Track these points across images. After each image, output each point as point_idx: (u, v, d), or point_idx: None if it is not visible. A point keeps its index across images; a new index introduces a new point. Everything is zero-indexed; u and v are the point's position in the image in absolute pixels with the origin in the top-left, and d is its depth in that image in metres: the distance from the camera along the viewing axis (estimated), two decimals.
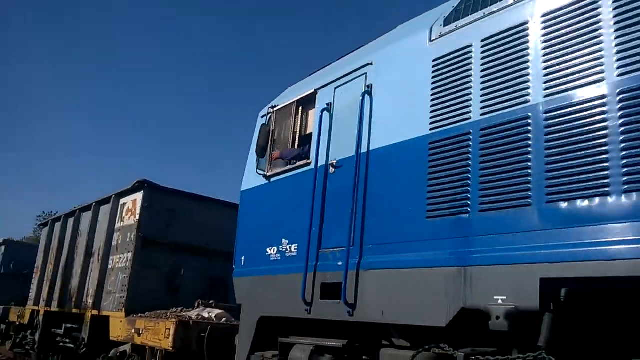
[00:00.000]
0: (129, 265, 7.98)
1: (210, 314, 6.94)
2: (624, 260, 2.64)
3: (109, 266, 8.68)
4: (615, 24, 2.95)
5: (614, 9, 2.97)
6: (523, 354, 3.01)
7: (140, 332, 6.96)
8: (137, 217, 8.14)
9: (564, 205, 2.96)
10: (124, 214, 8.66)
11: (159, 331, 6.52)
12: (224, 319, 6.85)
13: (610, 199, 2.79)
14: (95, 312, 8.62)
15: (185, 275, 8.11)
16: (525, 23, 3.41)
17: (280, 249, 5.03)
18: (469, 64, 3.70)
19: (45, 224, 12.77)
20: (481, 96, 3.54)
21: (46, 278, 11.44)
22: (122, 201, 8.85)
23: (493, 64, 3.52)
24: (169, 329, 6.29)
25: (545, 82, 3.19)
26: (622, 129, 2.80)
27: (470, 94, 3.63)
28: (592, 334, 3.10)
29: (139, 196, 8.27)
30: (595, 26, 3.05)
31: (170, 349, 6.20)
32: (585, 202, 2.86)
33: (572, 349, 3.04)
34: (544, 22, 3.31)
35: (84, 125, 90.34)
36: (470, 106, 3.60)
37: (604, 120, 2.88)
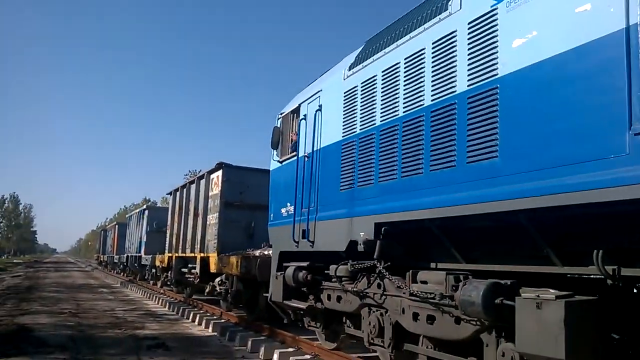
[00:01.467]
0: (217, 222, 11.54)
1: (269, 252, 10.18)
2: (401, 212, 5.15)
3: (207, 222, 12.36)
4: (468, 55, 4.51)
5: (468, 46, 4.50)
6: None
7: (224, 265, 10.49)
8: (220, 187, 11.61)
9: (381, 185, 5.49)
10: (212, 185, 12.21)
11: (233, 263, 9.95)
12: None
13: (394, 182, 5.28)
14: (202, 255, 12.43)
15: (256, 226, 11.44)
16: (374, 76, 5.83)
17: (287, 209, 7.96)
18: (355, 96, 6.20)
19: (170, 193, 17.10)
20: (359, 116, 6.06)
21: (174, 232, 15.73)
22: (211, 177, 12.40)
23: (368, 94, 5.97)
24: (237, 262, 9.66)
25: (404, 103, 5.42)
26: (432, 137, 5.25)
27: (355, 116, 6.16)
28: (400, 248, 5.61)
29: (220, 173, 11.71)
30: (439, 62, 5.35)
31: (238, 274, 9.60)
32: (393, 181, 5.36)
33: (389, 256, 5.59)
34: (397, 68, 5.72)
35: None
36: (355, 123, 6.13)
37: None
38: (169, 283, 16.67)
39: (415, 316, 5.07)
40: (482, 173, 4.18)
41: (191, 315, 11.66)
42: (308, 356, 7.07)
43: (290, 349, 7.51)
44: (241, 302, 10.51)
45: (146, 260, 20.48)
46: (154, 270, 19.75)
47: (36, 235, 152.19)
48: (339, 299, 6.49)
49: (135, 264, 23.93)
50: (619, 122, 3.18)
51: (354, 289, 6.10)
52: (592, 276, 3.79)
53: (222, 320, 10.61)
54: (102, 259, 44.63)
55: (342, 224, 6.18)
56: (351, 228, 6.00)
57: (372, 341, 5.90)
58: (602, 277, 3.47)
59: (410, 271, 5.15)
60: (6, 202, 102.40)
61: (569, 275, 3.98)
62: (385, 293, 5.58)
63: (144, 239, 21.30)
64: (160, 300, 15.42)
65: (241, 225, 11.42)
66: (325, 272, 6.77)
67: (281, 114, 8.56)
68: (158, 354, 7.69)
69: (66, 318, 11.27)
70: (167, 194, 18.16)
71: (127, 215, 34.50)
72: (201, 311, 12.10)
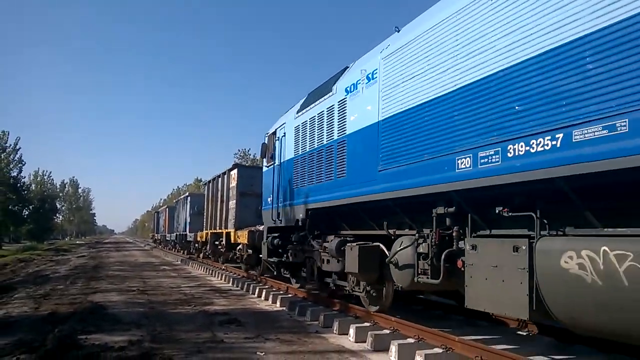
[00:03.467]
0: (235, 206, 15.83)
1: None
2: (319, 203, 9.13)
3: (229, 206, 16.68)
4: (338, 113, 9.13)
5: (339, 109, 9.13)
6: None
7: (239, 237, 14.79)
8: (236, 181, 15.86)
9: (309, 186, 9.49)
10: (231, 180, 16.50)
11: (244, 235, 14.22)
12: None
13: (316, 185, 9.26)
14: (226, 230, 16.81)
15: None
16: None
17: (270, 199, 12.04)
18: (299, 130, 10.15)
19: (205, 184, 21.64)
20: (300, 144, 10.04)
21: (208, 214, 20.26)
22: (230, 173, 16.69)
23: (304, 131, 9.91)
24: (246, 234, 13.93)
25: (318, 139, 9.41)
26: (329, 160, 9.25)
27: (299, 143, 10.12)
28: (322, 224, 9.56)
29: (235, 171, 15.98)
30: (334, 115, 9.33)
31: (247, 242, 13.87)
32: (312, 185, 9.33)
33: (316, 228, 9.58)
34: (324, 113, 9.68)
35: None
36: (299, 148, 10.10)
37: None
38: (208, 255, 21.24)
39: (327, 261, 9.05)
40: (342, 183, 8.10)
41: (257, 290, 11.76)
42: (387, 331, 6.73)
43: (367, 324, 7.18)
44: (251, 263, 14.81)
45: (190, 237, 25.31)
46: (196, 245, 24.50)
47: (95, 218, 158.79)
48: (295, 255, 10.56)
49: (183, 241, 28.94)
50: (376, 163, 7.05)
51: (302, 248, 10.17)
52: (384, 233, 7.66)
53: (290, 295, 10.60)
54: (156, 237, 50.51)
55: (293, 210, 10.23)
56: (297, 212, 10.04)
57: (310, 278, 10.01)
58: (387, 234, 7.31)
59: (334, 237, 8.99)
60: (66, 186, 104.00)
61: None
62: (312, 249, 9.62)
63: (188, 220, 26.13)
64: (223, 277, 15.61)
65: (252, 208, 15.63)
66: (290, 238, 10.86)
67: (266, 134, 12.60)
68: (232, 329, 7.61)
69: (135, 295, 11.44)
70: (203, 184, 22.69)
71: (174, 200, 39.74)
72: (266, 286, 12.12)
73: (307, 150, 9.65)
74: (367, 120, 7.31)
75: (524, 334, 6.85)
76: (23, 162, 42.52)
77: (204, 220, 21.40)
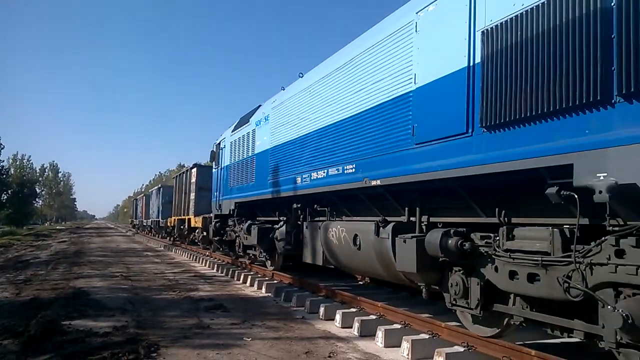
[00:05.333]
0: (194, 197, 19.73)
1: None
2: (243, 198, 13.07)
3: (190, 197, 20.56)
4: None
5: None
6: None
7: (196, 222, 18.71)
8: (195, 177, 19.74)
9: (237, 186, 13.43)
10: (192, 176, 20.37)
11: (199, 220, 18.15)
12: None
13: (240, 185, 13.22)
14: (188, 217, 20.71)
15: None
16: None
17: (216, 194, 15.95)
18: (232, 146, 14.05)
19: (174, 178, 25.44)
20: (232, 155, 13.95)
21: (175, 204, 24.12)
22: (192, 171, 20.57)
23: (234, 147, 13.81)
24: (201, 220, 17.85)
25: (244, 153, 13.31)
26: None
27: (232, 155, 14.03)
28: (247, 213, 13.50)
29: (195, 169, 19.88)
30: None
31: (201, 226, 17.80)
32: (239, 185, 13.27)
33: (242, 215, 13.52)
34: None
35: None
36: (231, 158, 14.00)
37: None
38: (175, 238, 25.10)
39: (245, 238, 12.96)
40: (252, 185, 12.02)
41: (242, 276, 11.83)
42: (373, 316, 6.77)
43: (353, 309, 7.25)
44: (205, 243, 18.73)
45: (162, 222, 29.17)
46: (167, 229, 28.38)
47: (76, 203, 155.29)
48: (230, 235, 14.51)
49: (157, 226, 32.75)
50: (267, 175, 11.00)
51: (233, 230, 14.12)
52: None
53: (275, 281, 10.64)
54: (135, 223, 54.13)
55: (228, 202, 14.17)
56: (230, 204, 13.98)
57: (238, 252, 13.99)
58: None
59: (248, 221, 12.91)
60: (46, 170, 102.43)
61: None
62: (239, 230, 13.56)
63: (161, 208, 29.97)
64: (208, 263, 15.69)
65: (207, 200, 19.48)
66: (229, 222, 14.76)
67: (214, 143, 16.47)
68: (218, 315, 7.57)
69: (119, 281, 11.35)
70: (173, 178, 26.51)
71: (150, 190, 43.40)
72: (251, 272, 12.22)
73: (236, 161, 13.59)
74: (264, 146, 11.25)
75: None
76: (2, 146, 42.36)
77: (172, 208, 25.26)
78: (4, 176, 46.42)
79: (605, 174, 3.59)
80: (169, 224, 26.67)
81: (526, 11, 4.33)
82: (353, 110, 7.28)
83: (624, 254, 3.72)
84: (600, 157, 3.62)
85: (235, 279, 12.21)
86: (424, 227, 6.16)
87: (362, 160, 6.98)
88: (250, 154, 12.32)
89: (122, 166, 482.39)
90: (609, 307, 3.73)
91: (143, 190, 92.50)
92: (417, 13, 5.92)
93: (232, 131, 14.27)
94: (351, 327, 6.71)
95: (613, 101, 3.61)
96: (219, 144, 15.78)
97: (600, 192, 3.58)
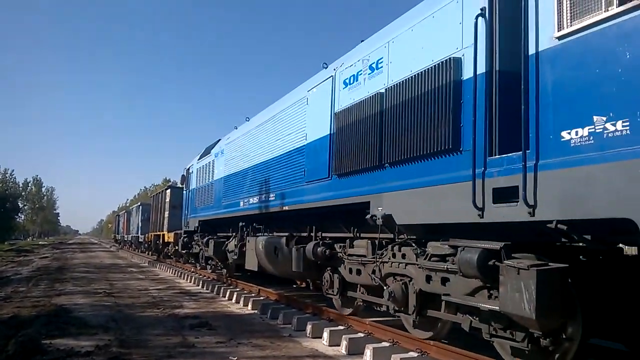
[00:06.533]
0: (168, 215, 22.11)
1: None
2: (206, 217, 15.51)
3: (165, 215, 22.93)
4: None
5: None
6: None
7: (169, 237, 21.08)
8: (169, 197, 22.15)
9: (201, 207, 15.90)
10: (166, 196, 22.78)
11: (172, 236, 20.53)
12: None
13: (204, 206, 15.69)
14: (162, 232, 23.05)
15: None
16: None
17: (185, 213, 18.37)
18: (198, 171, 16.53)
19: (152, 196, 27.78)
20: (197, 180, 16.43)
21: (152, 220, 26.43)
22: (166, 192, 22.99)
23: (199, 173, 16.29)
24: (172, 235, 20.25)
25: (205, 179, 15.77)
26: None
27: (197, 179, 16.51)
28: (209, 229, 15.96)
29: (169, 190, 22.31)
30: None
31: (173, 241, 20.19)
32: (202, 206, 15.72)
33: (206, 232, 15.97)
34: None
35: None
36: (197, 182, 16.49)
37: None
38: (150, 253, 27.32)
39: (206, 250, 15.39)
40: (211, 207, 14.51)
41: (227, 293, 11.74)
42: (361, 334, 6.71)
43: (341, 327, 7.20)
44: (177, 256, 21.05)
45: (141, 238, 31.41)
46: (146, 245, 30.62)
47: (59, 217, 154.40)
48: (195, 248, 16.90)
49: (137, 241, 34.95)
50: (221, 198, 13.50)
51: (197, 244, 16.54)
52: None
53: (261, 298, 10.59)
54: (117, 238, 56.03)
55: (194, 220, 16.61)
56: (195, 222, 16.41)
57: (202, 262, 16.39)
58: None
59: (208, 236, 15.33)
60: (29, 185, 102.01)
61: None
62: (202, 244, 15.97)
63: (140, 224, 32.22)
64: (192, 279, 15.66)
65: (179, 217, 21.87)
66: (195, 237, 17.14)
67: (185, 168, 18.94)
68: (203, 333, 7.50)
69: (102, 298, 11.22)
70: (151, 197, 28.85)
71: (130, 207, 45.54)
72: (237, 289, 12.17)
73: (200, 185, 16.07)
74: (220, 175, 13.78)
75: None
76: None
77: (149, 224, 27.58)
78: None
79: (381, 208, 6.16)
80: (147, 238, 28.95)
81: (352, 105, 6.95)
82: (274, 153, 9.85)
83: (395, 256, 6.27)
84: (380, 198, 6.20)
85: (221, 295, 12.13)
86: (319, 240, 8.66)
87: (279, 191, 9.52)
88: (210, 180, 14.82)
89: (106, 181, 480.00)
90: (385, 287, 6.27)
91: (128, 204, 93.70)
92: (308, 91, 8.55)
93: (198, 160, 16.78)
94: (339, 345, 6.64)
95: (384, 165, 6.18)
96: (189, 169, 18.25)
97: (379, 218, 6.13)
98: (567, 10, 3.95)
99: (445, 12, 5.31)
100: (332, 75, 7.70)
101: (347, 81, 7.23)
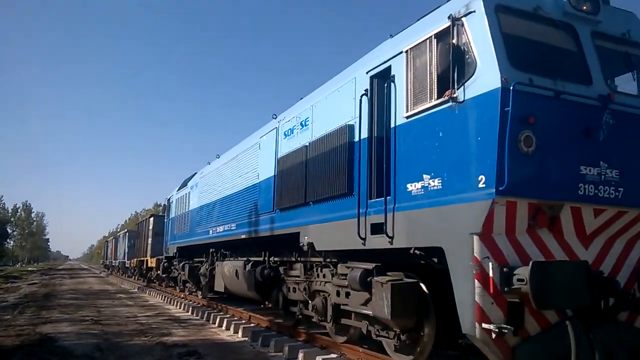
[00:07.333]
0: (151, 241, 23.51)
1: None
2: (182, 243, 16.95)
3: (148, 241, 24.32)
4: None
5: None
6: None
7: (152, 262, 22.42)
8: (152, 225, 23.59)
9: (178, 234, 17.35)
10: (150, 224, 24.21)
11: (154, 261, 21.91)
12: None
13: (181, 233, 17.14)
14: (146, 258, 24.40)
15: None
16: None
17: (166, 239, 19.79)
18: (178, 202, 18.03)
19: (136, 225, 29.18)
20: (176, 209, 17.92)
21: (136, 246, 27.78)
22: (150, 220, 24.42)
23: (177, 203, 17.77)
24: (154, 260, 21.62)
25: (184, 208, 17.26)
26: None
27: (177, 208, 18.00)
28: (186, 254, 17.37)
29: (152, 219, 23.78)
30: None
31: (155, 266, 21.55)
32: (180, 233, 17.17)
33: (183, 257, 17.39)
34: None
35: None
36: (176, 211, 17.97)
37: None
38: (135, 278, 28.59)
39: (182, 273, 16.75)
40: (187, 234, 15.96)
41: (217, 319, 11.47)
42: None
43: (333, 355, 7.06)
44: (159, 280, 22.35)
45: (127, 263, 32.68)
46: (132, 270, 31.86)
47: (49, 243, 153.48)
48: (174, 272, 18.28)
49: (124, 266, 36.16)
50: (195, 226, 14.96)
51: (175, 268, 17.92)
52: None
53: (252, 325, 10.35)
54: (105, 263, 57.08)
55: (173, 246, 18.04)
56: (174, 248, 17.84)
57: (180, 285, 17.75)
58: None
59: (184, 261, 16.76)
60: (19, 210, 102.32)
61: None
62: (179, 268, 17.36)
63: (126, 250, 33.52)
64: (182, 305, 15.41)
65: (161, 244, 23.25)
66: (174, 262, 18.53)
67: (166, 198, 20.42)
68: None
69: (89, 326, 11.02)
70: (136, 224, 30.23)
71: (118, 234, 46.79)
72: (227, 315, 11.97)
73: (178, 214, 17.56)
74: (194, 205, 15.32)
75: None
76: None
77: (134, 250, 28.89)
78: None
79: (307, 237, 7.70)
80: (132, 264, 30.22)
81: (289, 153, 8.55)
82: (236, 188, 11.42)
83: (318, 276, 7.79)
84: (306, 229, 7.74)
85: (211, 322, 11.79)
86: (272, 263, 10.13)
87: (239, 222, 11.04)
88: (186, 210, 16.32)
89: (97, 206, 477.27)
90: (310, 302, 7.77)
91: (118, 230, 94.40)
92: (260, 137, 10.16)
93: (177, 190, 18.31)
94: None
95: (308, 203, 7.74)
96: (169, 199, 19.75)
97: (305, 245, 7.66)
98: (411, 98, 5.59)
99: (345, 88, 6.97)
100: (276, 127, 9.33)
101: (286, 133, 8.85)
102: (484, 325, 4.47)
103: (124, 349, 8.38)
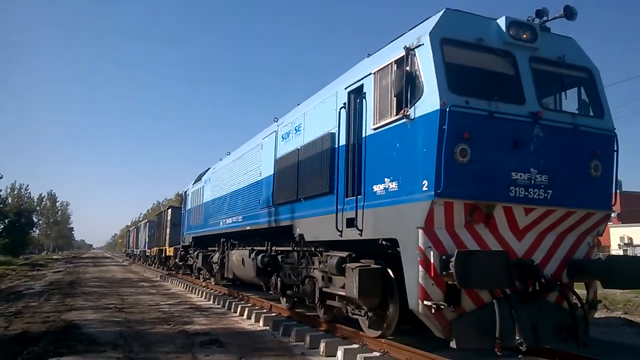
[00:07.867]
0: (169, 231, 24.91)
1: None
2: (198, 233, 18.22)
3: (167, 231, 25.73)
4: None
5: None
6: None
7: (170, 251, 23.82)
8: (170, 216, 24.97)
9: (194, 224, 18.64)
10: (168, 215, 25.60)
11: (172, 250, 23.31)
12: None
13: (196, 224, 18.43)
14: (165, 247, 25.82)
15: None
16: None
17: (183, 229, 21.12)
18: (194, 194, 19.30)
19: (156, 215, 30.65)
20: (192, 201, 19.21)
21: (156, 236, 29.26)
22: (168, 211, 25.82)
23: (193, 195, 19.05)
24: (172, 249, 23.01)
25: (199, 201, 18.54)
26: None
27: (193, 200, 19.28)
28: (201, 244, 18.66)
29: (170, 210, 25.15)
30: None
31: (172, 255, 22.95)
32: (196, 224, 18.46)
33: (197, 246, 18.68)
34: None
35: None
36: (192, 203, 19.25)
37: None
38: (155, 265, 30.13)
39: (197, 261, 18.04)
40: (201, 225, 17.21)
41: (239, 308, 11.56)
42: (377, 353, 6.48)
43: (355, 346, 6.96)
44: (177, 268, 23.72)
45: (148, 252, 34.29)
46: (152, 258, 33.46)
47: (73, 232, 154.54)
48: (190, 260, 19.61)
49: (144, 255, 37.86)
50: (208, 218, 16.20)
51: (191, 256, 19.24)
52: None
53: (273, 314, 10.41)
54: (127, 251, 59.23)
55: (189, 236, 19.35)
56: (189, 238, 19.15)
57: (195, 273, 19.07)
58: None
59: (199, 250, 18.03)
60: (44, 200, 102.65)
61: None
62: (194, 256, 18.66)
63: (147, 240, 35.12)
64: (203, 294, 15.45)
65: (179, 234, 24.63)
66: (189, 251, 19.85)
67: (184, 191, 21.73)
68: (213, 351, 7.35)
69: (112, 313, 11.23)
70: (156, 215, 31.73)
71: (139, 224, 48.58)
72: (249, 304, 11.99)
73: (193, 206, 18.84)
74: (207, 198, 16.55)
75: None
76: (0, 175, 42.74)
77: (154, 239, 30.41)
78: (1, 205, 47.91)
79: (299, 229, 8.80)
80: (152, 253, 31.79)
81: (285, 154, 9.64)
82: (242, 184, 12.58)
83: (308, 263, 8.89)
84: (298, 222, 8.84)
85: (232, 311, 11.90)
86: (272, 252, 11.25)
87: (245, 214, 12.20)
88: (200, 203, 17.57)
89: (121, 195, 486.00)
90: (301, 286, 8.90)
91: (141, 218, 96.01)
92: (262, 139, 11.28)
93: (192, 184, 19.59)
94: None
95: (300, 199, 8.83)
96: (186, 192, 21.07)
97: (297, 236, 8.77)
98: (377, 113, 6.63)
99: (329, 100, 8.02)
100: (275, 131, 10.43)
101: (284, 136, 9.94)
102: (425, 302, 5.51)
103: (146, 336, 8.47)
